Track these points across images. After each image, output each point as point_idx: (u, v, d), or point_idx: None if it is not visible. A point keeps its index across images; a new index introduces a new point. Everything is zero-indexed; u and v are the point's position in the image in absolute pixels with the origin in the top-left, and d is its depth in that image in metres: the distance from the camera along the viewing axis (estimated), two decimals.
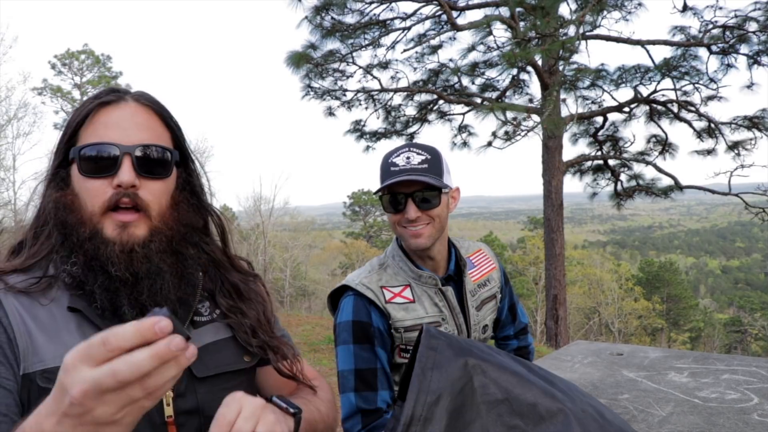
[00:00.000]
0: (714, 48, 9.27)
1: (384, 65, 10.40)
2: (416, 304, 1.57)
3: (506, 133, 10.55)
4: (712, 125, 9.96)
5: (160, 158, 0.95)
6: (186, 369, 0.62)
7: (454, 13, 9.39)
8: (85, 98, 1.01)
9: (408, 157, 1.52)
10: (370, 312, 1.54)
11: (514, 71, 9.95)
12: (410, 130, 11.17)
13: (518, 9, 8.53)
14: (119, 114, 0.95)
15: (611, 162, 10.74)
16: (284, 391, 1.10)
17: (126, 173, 0.91)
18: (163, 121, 1.00)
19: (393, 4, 9.84)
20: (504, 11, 9.17)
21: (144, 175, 0.93)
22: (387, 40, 10.19)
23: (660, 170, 10.24)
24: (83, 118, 0.96)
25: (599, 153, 10.74)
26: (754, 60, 9.19)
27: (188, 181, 1.04)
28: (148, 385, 0.59)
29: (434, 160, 1.53)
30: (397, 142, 11.21)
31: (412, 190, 1.50)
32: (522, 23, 9.03)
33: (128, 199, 0.91)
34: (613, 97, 10.34)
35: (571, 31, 8.40)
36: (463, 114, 10.94)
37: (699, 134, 10.23)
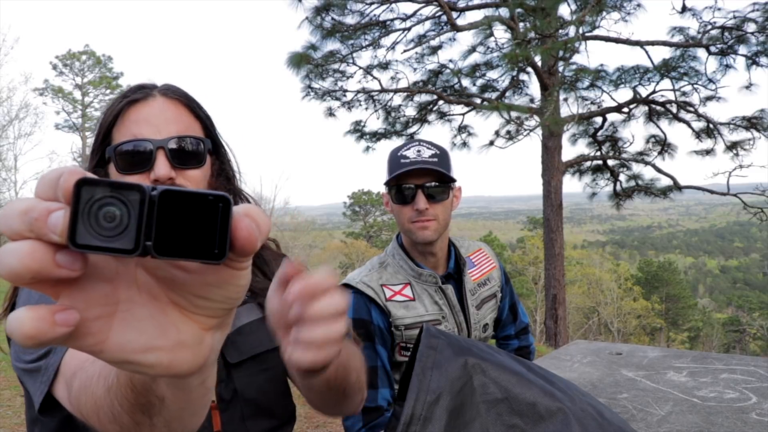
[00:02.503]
0: (713, 49, 9.27)
1: (384, 66, 10.40)
2: (416, 302, 1.58)
3: (508, 132, 10.55)
4: (711, 126, 9.96)
5: (193, 149, 0.98)
6: (220, 356, 0.56)
7: (454, 14, 9.39)
8: (113, 97, 1.03)
9: (419, 151, 1.54)
10: (371, 310, 1.55)
11: (514, 72, 9.95)
12: (410, 130, 11.17)
13: (518, 10, 8.53)
14: (148, 110, 0.97)
15: (610, 162, 10.74)
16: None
17: (161, 167, 0.94)
18: (192, 112, 1.02)
19: (393, 5, 9.85)
20: (504, 12, 9.17)
21: (179, 167, 0.96)
22: (387, 41, 10.19)
23: (659, 170, 10.24)
24: (114, 117, 0.98)
25: (598, 153, 10.74)
26: (752, 61, 9.20)
27: (222, 169, 1.07)
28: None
29: (443, 156, 1.56)
30: (396, 142, 11.21)
31: (422, 182, 1.52)
32: (522, 24, 9.03)
33: None
34: (612, 98, 10.33)
35: (571, 31, 8.41)
36: (463, 114, 10.93)
37: (698, 134, 10.23)
